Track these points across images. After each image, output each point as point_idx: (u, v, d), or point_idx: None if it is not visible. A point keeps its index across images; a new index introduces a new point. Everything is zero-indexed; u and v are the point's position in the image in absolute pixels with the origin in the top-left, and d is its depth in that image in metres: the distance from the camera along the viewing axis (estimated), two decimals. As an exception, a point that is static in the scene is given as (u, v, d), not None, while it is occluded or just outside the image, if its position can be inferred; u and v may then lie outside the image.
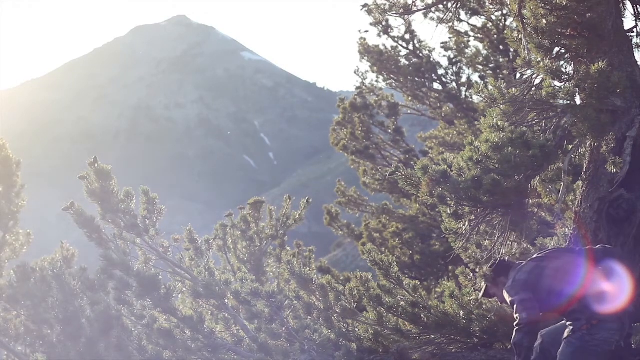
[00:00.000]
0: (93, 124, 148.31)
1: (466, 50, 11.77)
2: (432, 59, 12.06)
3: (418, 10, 5.70)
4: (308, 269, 5.62)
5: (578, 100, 4.43)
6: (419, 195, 5.03)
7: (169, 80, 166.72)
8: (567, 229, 4.96)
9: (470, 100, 11.71)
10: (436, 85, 12.13)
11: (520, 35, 4.82)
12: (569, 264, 4.21)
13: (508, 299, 4.23)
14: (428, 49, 12.12)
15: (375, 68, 12.22)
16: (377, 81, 12.59)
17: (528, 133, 4.50)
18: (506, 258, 4.72)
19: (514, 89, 4.64)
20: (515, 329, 4.13)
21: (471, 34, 11.57)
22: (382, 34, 11.90)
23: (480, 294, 4.72)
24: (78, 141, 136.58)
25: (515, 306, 4.14)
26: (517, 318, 4.11)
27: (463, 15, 10.98)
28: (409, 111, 12.91)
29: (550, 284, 4.18)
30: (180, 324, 5.39)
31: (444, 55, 12.10)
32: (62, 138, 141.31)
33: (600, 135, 4.42)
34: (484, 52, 11.46)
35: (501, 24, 10.91)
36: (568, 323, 4.13)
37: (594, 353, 4.05)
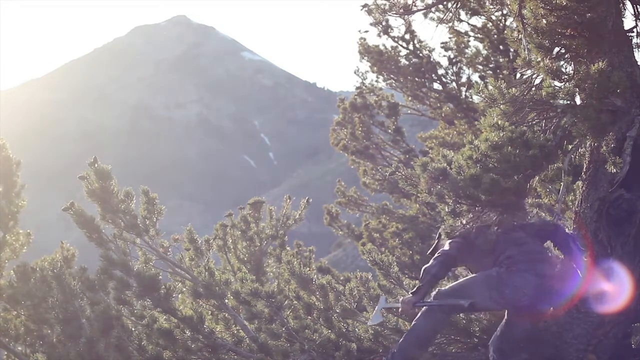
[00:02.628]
0: (93, 123, 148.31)
1: (466, 50, 11.77)
2: (432, 59, 12.06)
3: (418, 10, 5.71)
4: (308, 269, 5.61)
5: (578, 100, 4.43)
6: (418, 194, 5.04)
7: (169, 80, 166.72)
8: (567, 229, 4.95)
9: (470, 100, 11.71)
10: (436, 85, 12.14)
11: (520, 35, 4.82)
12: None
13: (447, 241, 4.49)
14: (428, 49, 12.12)
15: (375, 68, 12.22)
16: (377, 81, 12.60)
17: (528, 133, 4.50)
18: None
19: (514, 89, 4.64)
20: (432, 257, 4.34)
21: (471, 34, 11.56)
22: (382, 34, 11.90)
23: (431, 249, 4.89)
24: (78, 141, 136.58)
25: (448, 242, 4.41)
26: (438, 251, 4.37)
27: (463, 15, 10.98)
28: (409, 111, 12.91)
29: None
30: (180, 324, 5.39)
31: (444, 55, 12.11)
32: (62, 138, 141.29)
33: (600, 135, 4.42)
34: (484, 52, 11.45)
35: (501, 24, 10.91)
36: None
37: (506, 285, 4.25)
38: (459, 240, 4.49)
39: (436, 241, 4.86)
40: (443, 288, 4.49)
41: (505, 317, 4.55)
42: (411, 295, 4.34)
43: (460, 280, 4.57)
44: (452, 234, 4.59)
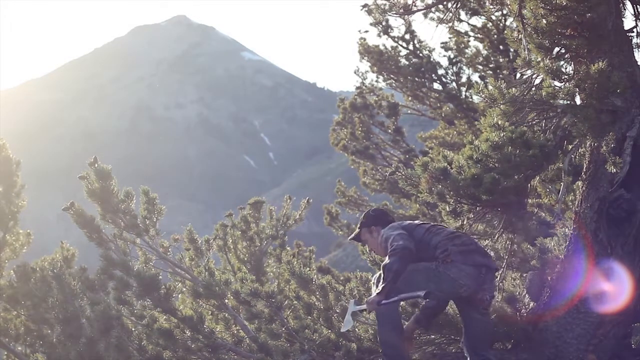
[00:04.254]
0: (93, 124, 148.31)
1: (466, 50, 11.77)
2: (432, 59, 12.05)
3: (418, 10, 5.71)
4: (308, 269, 5.61)
5: (578, 100, 4.43)
6: (419, 195, 5.04)
7: (169, 80, 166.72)
8: (567, 229, 4.96)
9: (470, 100, 11.70)
10: (436, 85, 12.13)
11: (520, 35, 4.82)
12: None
13: (384, 237, 4.50)
14: (428, 49, 12.11)
15: (375, 68, 12.21)
16: (377, 81, 12.59)
17: (528, 133, 4.51)
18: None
19: (514, 89, 4.64)
20: (388, 255, 4.32)
21: (471, 34, 11.56)
22: (382, 34, 11.89)
23: (350, 237, 4.96)
24: (78, 141, 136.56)
25: (392, 238, 4.39)
26: (393, 246, 4.33)
27: (463, 15, 10.98)
28: (409, 111, 12.91)
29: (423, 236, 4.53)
30: (180, 324, 5.39)
31: (444, 55, 12.10)
32: (62, 138, 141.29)
33: (600, 135, 4.42)
34: (484, 52, 11.45)
35: (501, 24, 10.91)
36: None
37: (443, 279, 4.33)
38: (405, 232, 4.49)
39: (358, 230, 4.88)
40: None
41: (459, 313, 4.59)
42: (376, 295, 4.38)
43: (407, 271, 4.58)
44: (377, 224, 4.69)
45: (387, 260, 4.32)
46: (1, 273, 6.27)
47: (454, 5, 5.80)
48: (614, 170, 4.32)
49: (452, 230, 4.60)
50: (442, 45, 12.05)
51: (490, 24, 11.03)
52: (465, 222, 4.97)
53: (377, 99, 12.52)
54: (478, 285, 4.36)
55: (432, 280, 4.35)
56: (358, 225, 4.91)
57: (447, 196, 4.72)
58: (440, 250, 4.41)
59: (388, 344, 4.45)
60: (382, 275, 4.33)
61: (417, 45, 12.08)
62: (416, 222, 4.73)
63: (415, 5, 5.65)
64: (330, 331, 5.30)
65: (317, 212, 12.93)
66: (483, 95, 4.65)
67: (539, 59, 4.53)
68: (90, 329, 5.44)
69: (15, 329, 6.08)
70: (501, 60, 11.18)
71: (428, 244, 4.47)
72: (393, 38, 12.03)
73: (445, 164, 4.73)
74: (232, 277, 5.81)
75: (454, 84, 12.02)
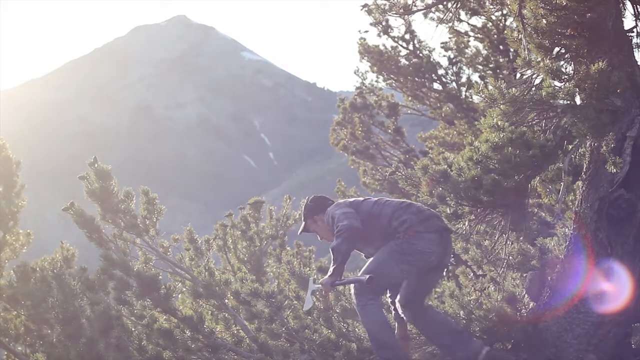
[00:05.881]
0: (93, 124, 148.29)
1: (466, 50, 11.78)
2: (432, 59, 12.06)
3: (418, 10, 5.70)
4: (308, 269, 5.62)
5: (578, 100, 4.43)
6: (419, 195, 5.05)
7: (169, 80, 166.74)
8: (567, 229, 4.95)
9: (470, 100, 11.71)
10: (436, 85, 12.14)
11: (520, 35, 4.82)
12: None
13: (330, 215, 4.53)
14: (428, 49, 12.12)
15: (375, 68, 12.22)
16: (377, 81, 12.61)
17: (528, 133, 4.50)
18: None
19: (514, 89, 4.64)
20: (335, 236, 4.35)
21: (471, 34, 11.57)
22: (382, 34, 11.89)
23: (300, 231, 5.01)
24: (78, 141, 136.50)
25: (336, 218, 4.42)
26: (338, 227, 4.34)
27: (463, 15, 10.99)
28: (409, 111, 12.92)
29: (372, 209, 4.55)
30: (180, 324, 5.38)
31: (444, 55, 12.11)
32: (62, 138, 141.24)
33: (600, 135, 4.42)
34: (484, 52, 11.46)
35: (501, 24, 10.91)
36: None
37: (410, 254, 4.36)
38: (350, 210, 4.51)
39: (304, 222, 4.91)
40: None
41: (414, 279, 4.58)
42: (328, 277, 4.41)
43: (368, 263, 4.59)
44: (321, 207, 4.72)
45: (334, 242, 4.35)
46: (1, 273, 6.27)
47: (454, 5, 5.80)
48: (614, 170, 4.31)
49: (401, 200, 4.66)
50: (442, 45, 12.07)
51: (490, 24, 11.04)
52: (466, 224, 4.97)
53: (377, 99, 12.52)
54: (444, 250, 4.45)
55: (400, 261, 4.38)
56: (302, 219, 4.96)
57: (448, 198, 4.72)
58: (398, 222, 4.43)
59: (379, 344, 4.48)
60: (332, 256, 4.37)
61: (417, 45, 12.09)
62: (361, 197, 4.81)
63: (415, 5, 5.64)
64: (330, 331, 5.30)
65: (317, 212, 12.89)
66: (483, 95, 4.65)
67: (539, 59, 4.52)
68: (90, 329, 5.44)
69: (15, 329, 6.07)
70: (501, 60, 11.19)
71: (378, 215, 4.50)
72: (393, 38, 12.03)
73: (446, 167, 4.73)
74: (232, 277, 5.81)
75: (454, 84, 12.03)
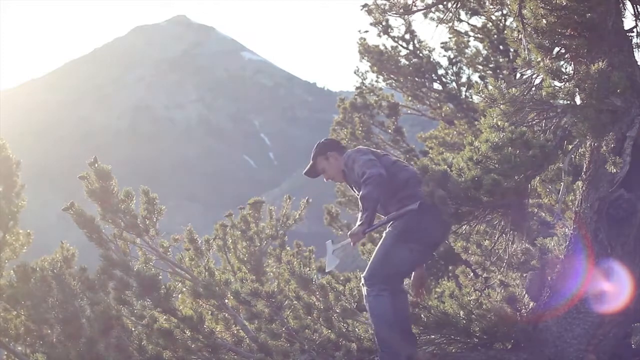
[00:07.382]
0: (93, 124, 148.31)
1: (466, 50, 11.77)
2: (432, 59, 12.05)
3: (418, 10, 5.70)
4: (308, 269, 5.61)
5: (578, 100, 4.43)
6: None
7: (169, 80, 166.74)
8: (567, 229, 4.95)
9: (470, 100, 11.70)
10: (436, 85, 12.13)
11: (520, 35, 4.82)
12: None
13: (352, 158, 4.51)
14: (428, 49, 12.12)
15: (375, 68, 12.21)
16: (377, 81, 12.60)
17: (528, 133, 4.50)
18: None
19: (514, 89, 4.64)
20: (364, 184, 4.30)
21: (471, 34, 11.57)
22: (382, 34, 11.89)
23: (305, 171, 4.98)
24: (78, 141, 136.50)
25: (362, 163, 4.39)
26: (367, 174, 4.30)
27: (463, 15, 10.99)
28: (409, 111, 12.91)
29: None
30: (180, 324, 5.38)
31: (444, 55, 12.10)
32: (62, 138, 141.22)
33: (600, 135, 4.42)
34: (484, 52, 11.45)
35: (501, 24, 10.91)
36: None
37: (417, 231, 4.39)
38: (375, 158, 4.49)
39: (312, 161, 4.88)
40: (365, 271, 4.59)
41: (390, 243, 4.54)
42: (359, 225, 4.36)
43: (376, 251, 4.57)
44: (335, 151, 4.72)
45: (363, 190, 4.30)
46: (1, 273, 6.26)
47: (454, 5, 5.80)
48: (614, 170, 4.31)
49: (415, 170, 4.63)
50: (442, 45, 12.07)
51: (490, 24, 11.04)
52: (466, 225, 4.97)
53: (377, 99, 12.52)
54: (447, 228, 4.55)
55: (408, 241, 4.38)
56: (312, 157, 4.90)
57: (448, 199, 4.72)
58: (406, 194, 4.43)
59: (385, 344, 4.45)
60: (362, 205, 4.31)
61: (417, 45, 12.08)
62: (379, 151, 4.79)
63: (415, 5, 5.65)
64: (330, 331, 5.30)
65: (317, 212, 12.93)
66: (483, 95, 4.65)
67: (539, 59, 4.53)
68: (90, 329, 5.43)
69: (15, 329, 6.06)
70: (501, 60, 11.18)
71: (395, 175, 4.49)
72: (393, 38, 12.03)
73: (445, 167, 4.73)
74: (232, 277, 5.81)
75: (454, 84, 12.02)
